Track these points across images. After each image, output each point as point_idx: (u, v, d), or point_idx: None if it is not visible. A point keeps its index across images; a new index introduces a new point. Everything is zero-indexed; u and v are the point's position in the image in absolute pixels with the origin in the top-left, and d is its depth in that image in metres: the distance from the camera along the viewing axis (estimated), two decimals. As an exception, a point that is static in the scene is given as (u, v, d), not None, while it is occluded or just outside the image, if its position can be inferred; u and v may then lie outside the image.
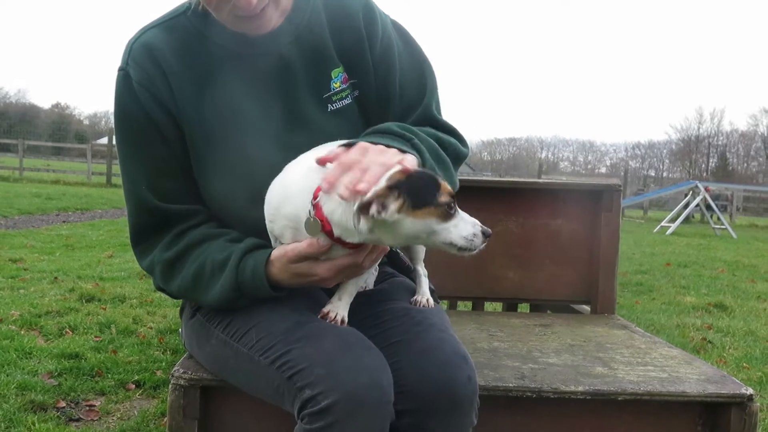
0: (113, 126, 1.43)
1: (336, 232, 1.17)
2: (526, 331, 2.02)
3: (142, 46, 1.38)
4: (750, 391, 1.52)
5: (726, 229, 15.83)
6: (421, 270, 1.52)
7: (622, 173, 31.36)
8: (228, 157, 1.38)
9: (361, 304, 1.44)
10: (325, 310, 1.32)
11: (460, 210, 1.17)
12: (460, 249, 1.17)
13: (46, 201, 12.73)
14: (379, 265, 1.58)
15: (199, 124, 1.38)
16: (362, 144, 1.20)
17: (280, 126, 1.39)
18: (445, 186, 1.16)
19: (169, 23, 1.41)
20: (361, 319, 1.39)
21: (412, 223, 1.12)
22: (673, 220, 16.41)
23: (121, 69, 1.39)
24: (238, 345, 1.31)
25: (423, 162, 1.27)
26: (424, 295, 1.47)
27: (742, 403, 1.51)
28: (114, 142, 1.47)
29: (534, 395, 1.49)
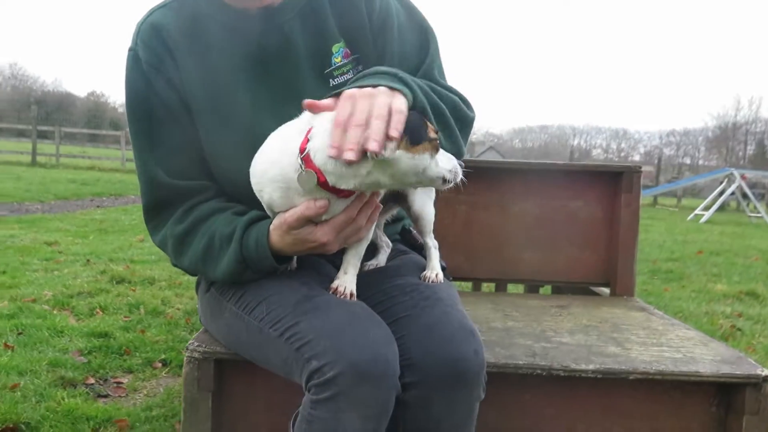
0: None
1: (331, 180, 1.17)
2: (542, 311, 2.01)
3: (150, 26, 1.41)
4: (765, 372, 1.51)
5: (762, 217, 15.52)
6: (431, 242, 1.52)
7: (656, 161, 30.82)
8: (231, 133, 1.40)
9: (371, 281, 1.46)
10: (334, 285, 1.34)
11: None
12: (445, 181, 1.20)
13: (81, 186, 13.00)
14: (391, 242, 1.59)
15: (203, 101, 1.41)
16: (348, 92, 1.17)
17: (282, 102, 1.41)
18: (427, 121, 1.18)
19: (174, 3, 1.44)
20: (370, 294, 1.41)
21: (410, 160, 1.14)
22: (707, 208, 16.11)
23: (130, 50, 1.42)
24: (249, 318, 1.34)
25: (414, 98, 1.22)
26: (434, 270, 1.48)
27: (757, 383, 1.50)
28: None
29: (544, 373, 1.49)
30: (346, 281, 1.34)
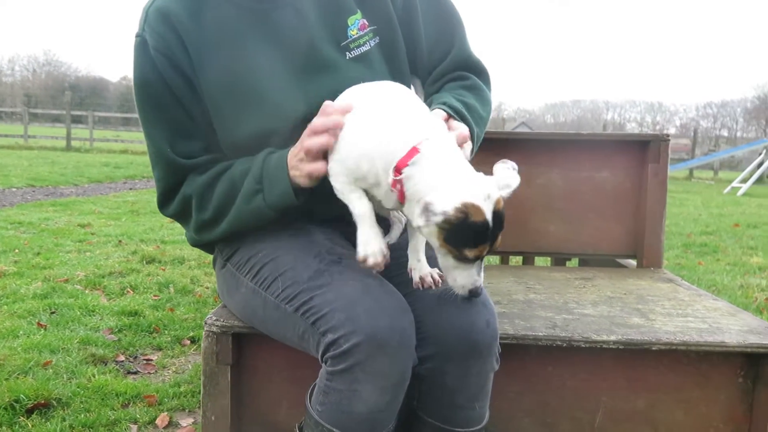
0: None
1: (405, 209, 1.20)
2: (566, 284, 1.98)
3: (158, 11, 1.39)
4: (795, 342, 1.46)
5: (802, 188, 15.13)
6: None
7: (692, 133, 30.18)
8: (252, 114, 1.38)
9: (385, 254, 1.44)
10: (416, 278, 1.33)
11: (479, 263, 1.20)
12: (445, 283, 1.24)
13: (114, 169, 13.19)
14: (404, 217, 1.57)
15: (219, 84, 1.38)
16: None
17: (301, 78, 1.39)
18: (483, 248, 1.16)
19: None
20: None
21: (438, 245, 1.16)
22: (744, 181, 15.76)
23: (138, 35, 1.39)
24: (266, 294, 1.34)
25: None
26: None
27: (785, 354, 1.45)
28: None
29: (564, 344, 1.47)
30: (427, 268, 1.33)
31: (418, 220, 1.12)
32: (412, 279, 1.32)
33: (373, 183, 1.23)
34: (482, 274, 1.21)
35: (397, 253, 1.43)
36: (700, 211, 9.94)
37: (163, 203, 1.47)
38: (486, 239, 1.14)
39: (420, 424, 1.28)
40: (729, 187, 15.64)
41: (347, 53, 1.42)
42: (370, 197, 1.27)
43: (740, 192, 14.70)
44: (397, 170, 1.17)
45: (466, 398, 1.26)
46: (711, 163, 22.98)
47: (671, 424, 1.54)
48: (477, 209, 1.11)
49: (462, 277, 1.19)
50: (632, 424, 1.54)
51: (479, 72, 1.54)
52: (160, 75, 1.38)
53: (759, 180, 16.97)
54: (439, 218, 1.09)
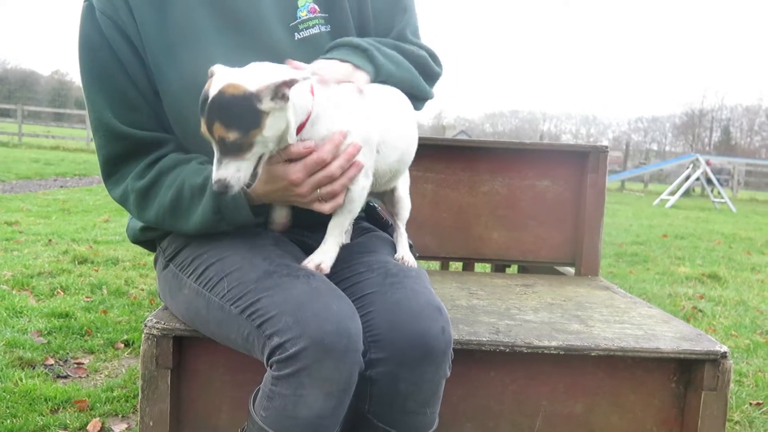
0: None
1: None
2: (507, 290, 2.01)
3: None
4: (724, 348, 1.52)
5: (725, 202, 15.82)
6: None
7: (624, 146, 31.21)
8: (195, 88, 1.35)
9: (337, 258, 1.43)
10: (309, 259, 1.33)
11: (229, 156, 1.14)
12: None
13: (44, 166, 12.73)
14: (355, 221, 1.57)
15: (164, 56, 1.36)
16: (316, 64, 1.32)
17: (248, 55, 1.37)
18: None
19: None
20: (337, 271, 1.38)
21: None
22: (673, 193, 16.38)
23: (85, 0, 1.38)
24: (210, 294, 1.30)
25: (378, 71, 1.37)
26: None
27: (716, 360, 1.51)
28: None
29: (507, 349, 1.49)
30: (322, 253, 1.32)
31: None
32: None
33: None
34: (226, 169, 1.14)
35: (353, 258, 1.42)
36: (631, 221, 10.28)
37: (108, 175, 1.43)
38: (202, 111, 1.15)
39: (369, 428, 1.27)
40: (658, 200, 16.22)
41: (296, 34, 1.42)
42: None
43: (668, 204, 15.27)
44: None
45: (418, 404, 1.26)
46: (641, 176, 23.82)
47: (607, 428, 1.58)
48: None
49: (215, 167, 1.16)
50: (570, 427, 1.58)
51: (418, 47, 1.52)
52: (105, 39, 1.35)
53: (686, 193, 17.69)
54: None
